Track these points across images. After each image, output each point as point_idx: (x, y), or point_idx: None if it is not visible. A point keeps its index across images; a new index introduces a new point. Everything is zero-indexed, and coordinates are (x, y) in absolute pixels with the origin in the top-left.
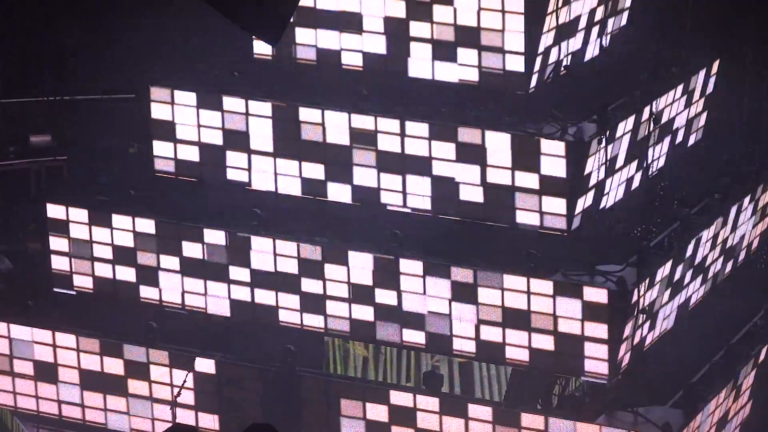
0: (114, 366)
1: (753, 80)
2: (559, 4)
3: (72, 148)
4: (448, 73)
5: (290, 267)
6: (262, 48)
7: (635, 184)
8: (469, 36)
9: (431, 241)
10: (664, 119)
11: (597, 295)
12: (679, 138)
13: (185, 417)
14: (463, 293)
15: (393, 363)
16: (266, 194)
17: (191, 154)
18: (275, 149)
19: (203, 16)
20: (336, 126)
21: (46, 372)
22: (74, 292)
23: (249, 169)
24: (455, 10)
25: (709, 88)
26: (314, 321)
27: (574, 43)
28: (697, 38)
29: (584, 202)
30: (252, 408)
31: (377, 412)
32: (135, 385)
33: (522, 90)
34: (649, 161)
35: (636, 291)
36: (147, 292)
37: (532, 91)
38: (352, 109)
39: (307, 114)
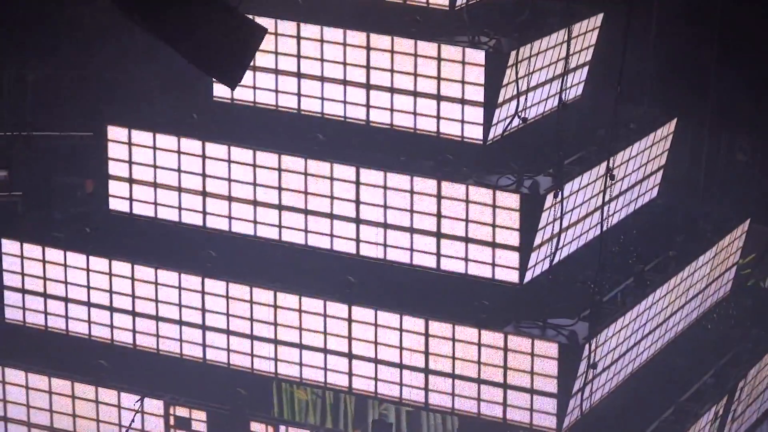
0: (63, 404)
1: (710, 139)
2: (520, 57)
3: (27, 184)
4: (406, 122)
5: (242, 311)
6: (221, 91)
7: (589, 238)
8: (428, 86)
9: (383, 290)
10: (621, 175)
11: (547, 348)
12: (636, 194)
13: None
14: (414, 343)
15: (337, 409)
16: (221, 236)
17: (147, 194)
18: (231, 192)
19: (164, 57)
20: (292, 171)
21: None
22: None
23: (204, 212)
24: (416, 59)
25: (667, 146)
26: (265, 365)
27: (534, 96)
28: (656, 95)
29: (537, 255)
30: None
31: None
32: (82, 424)
33: (479, 141)
34: (605, 216)
35: (587, 346)
36: (98, 331)
37: (489, 143)
38: (308, 154)
39: (263, 158)
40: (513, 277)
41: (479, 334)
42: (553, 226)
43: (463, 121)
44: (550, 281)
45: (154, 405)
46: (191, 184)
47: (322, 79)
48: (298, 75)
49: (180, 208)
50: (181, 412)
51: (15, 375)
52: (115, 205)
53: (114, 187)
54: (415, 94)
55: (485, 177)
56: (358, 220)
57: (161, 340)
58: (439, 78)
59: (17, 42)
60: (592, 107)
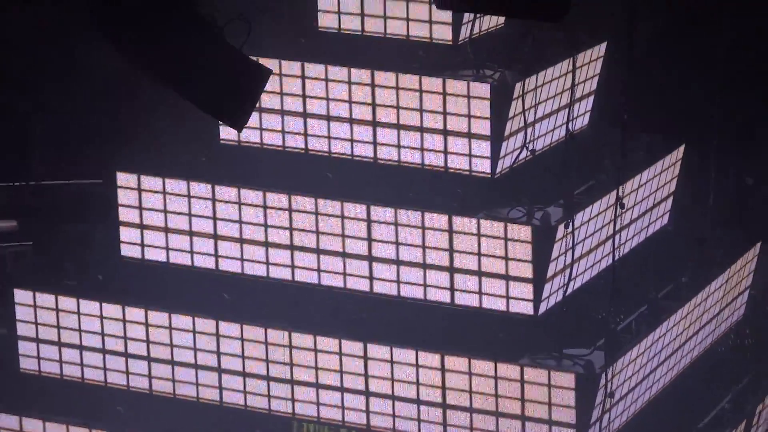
0: None
1: (719, 166)
2: (525, 89)
3: (37, 233)
4: (413, 157)
5: (257, 352)
6: (228, 133)
7: (602, 267)
8: (434, 121)
9: (398, 326)
10: (631, 203)
11: (564, 379)
12: (646, 222)
13: None
14: (431, 378)
15: None
16: (233, 279)
17: (158, 239)
18: (242, 234)
19: (169, 102)
20: (302, 210)
21: None
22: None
23: (216, 255)
24: (421, 94)
25: (676, 172)
26: (282, 406)
27: (540, 127)
28: (664, 123)
29: (551, 286)
30: None
31: None
32: None
33: (488, 175)
34: (616, 245)
35: (604, 375)
36: (114, 378)
37: (497, 176)
38: (317, 194)
39: (273, 199)
40: (527, 309)
41: (495, 367)
42: (566, 257)
43: (470, 155)
44: (564, 312)
45: None
46: (202, 228)
47: (328, 117)
48: (304, 114)
49: (192, 252)
50: None
51: (33, 425)
52: (126, 251)
53: (125, 233)
54: (422, 129)
55: (496, 210)
56: (370, 258)
57: (177, 385)
58: (445, 113)
59: (24, 90)
60: (599, 136)
